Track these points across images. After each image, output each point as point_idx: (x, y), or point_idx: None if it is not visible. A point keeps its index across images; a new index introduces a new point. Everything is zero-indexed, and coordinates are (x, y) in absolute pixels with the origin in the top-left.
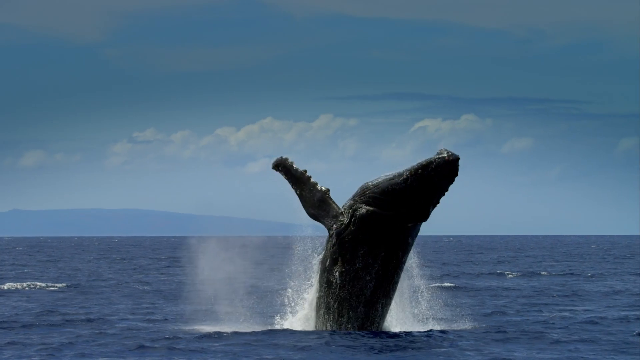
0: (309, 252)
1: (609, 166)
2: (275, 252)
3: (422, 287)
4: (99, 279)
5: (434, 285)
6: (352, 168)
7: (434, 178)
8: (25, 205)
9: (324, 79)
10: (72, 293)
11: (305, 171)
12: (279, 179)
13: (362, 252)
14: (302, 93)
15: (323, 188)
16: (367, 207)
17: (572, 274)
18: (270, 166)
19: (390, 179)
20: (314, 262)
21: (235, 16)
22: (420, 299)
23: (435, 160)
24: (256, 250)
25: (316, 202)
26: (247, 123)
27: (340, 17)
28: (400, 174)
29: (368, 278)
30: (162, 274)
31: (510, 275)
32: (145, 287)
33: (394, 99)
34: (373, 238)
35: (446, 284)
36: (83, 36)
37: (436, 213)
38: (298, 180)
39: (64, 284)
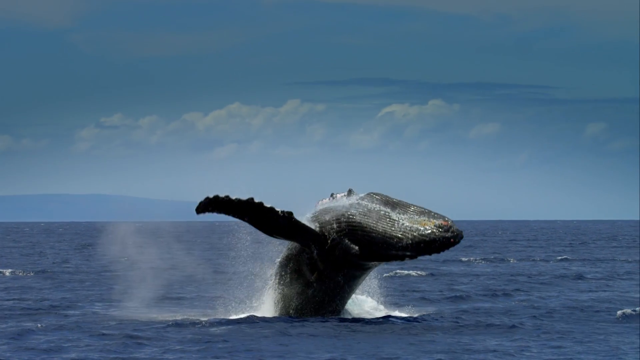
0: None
1: (576, 151)
2: (240, 237)
3: (387, 274)
4: (65, 265)
5: (400, 271)
6: (319, 153)
7: (434, 253)
8: None
9: (291, 64)
10: (38, 280)
11: (252, 198)
12: (251, 162)
13: (342, 273)
14: (269, 78)
15: (286, 213)
16: (355, 247)
17: (539, 259)
18: (196, 211)
19: (387, 236)
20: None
21: (202, 1)
22: (386, 286)
23: (439, 239)
24: (221, 235)
25: (282, 228)
26: (215, 108)
27: (308, 2)
28: (398, 239)
29: (347, 288)
30: (127, 260)
31: (477, 261)
32: (113, 274)
33: (361, 84)
34: (356, 264)
35: (412, 271)
36: (50, 21)
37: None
38: (246, 208)
39: (30, 272)
